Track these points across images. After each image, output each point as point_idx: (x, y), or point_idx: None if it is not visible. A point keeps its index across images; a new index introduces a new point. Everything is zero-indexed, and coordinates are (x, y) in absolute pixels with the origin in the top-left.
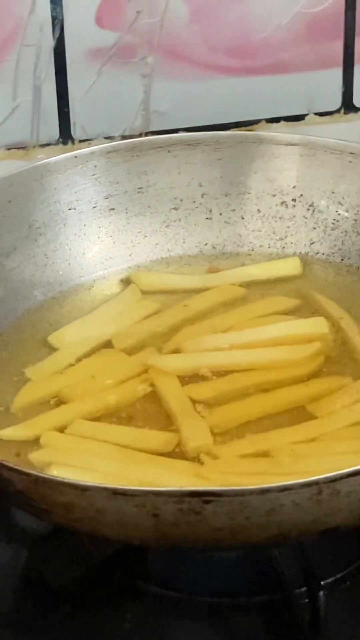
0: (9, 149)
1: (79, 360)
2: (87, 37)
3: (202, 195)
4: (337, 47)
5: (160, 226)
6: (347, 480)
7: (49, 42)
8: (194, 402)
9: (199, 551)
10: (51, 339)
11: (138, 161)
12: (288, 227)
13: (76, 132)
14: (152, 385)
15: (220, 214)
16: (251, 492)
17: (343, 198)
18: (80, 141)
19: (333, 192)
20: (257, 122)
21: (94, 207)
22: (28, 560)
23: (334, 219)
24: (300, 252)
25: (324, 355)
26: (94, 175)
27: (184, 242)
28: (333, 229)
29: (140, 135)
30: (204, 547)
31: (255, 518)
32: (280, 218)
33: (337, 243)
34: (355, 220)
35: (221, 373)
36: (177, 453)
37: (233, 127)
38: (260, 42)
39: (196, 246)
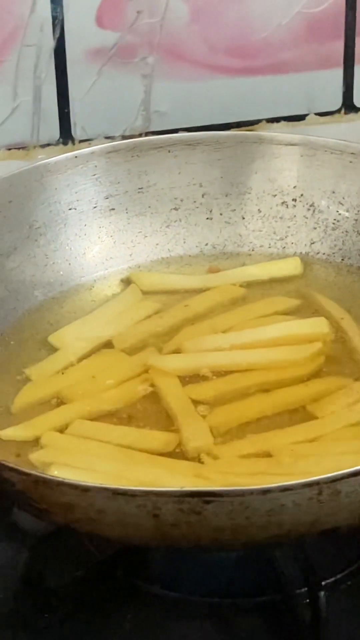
0: (10, 149)
1: (79, 360)
2: (88, 37)
3: (203, 195)
4: (338, 47)
5: (160, 226)
6: (348, 481)
7: (50, 42)
8: (194, 402)
9: (200, 551)
10: (51, 339)
11: (138, 161)
12: (288, 227)
13: (76, 132)
14: (152, 385)
15: (221, 214)
16: (252, 493)
17: (343, 198)
18: (81, 141)
19: (333, 192)
20: (257, 122)
21: (95, 207)
22: (28, 561)
23: (335, 219)
24: (301, 252)
25: (325, 355)
26: (94, 175)
27: (184, 242)
28: (333, 229)
29: (140, 135)
30: (204, 548)
31: (256, 518)
32: (281, 218)
33: (337, 243)
34: (356, 220)
35: (221, 373)
36: (178, 453)
37: (233, 127)
38: (260, 42)
39: (197, 246)
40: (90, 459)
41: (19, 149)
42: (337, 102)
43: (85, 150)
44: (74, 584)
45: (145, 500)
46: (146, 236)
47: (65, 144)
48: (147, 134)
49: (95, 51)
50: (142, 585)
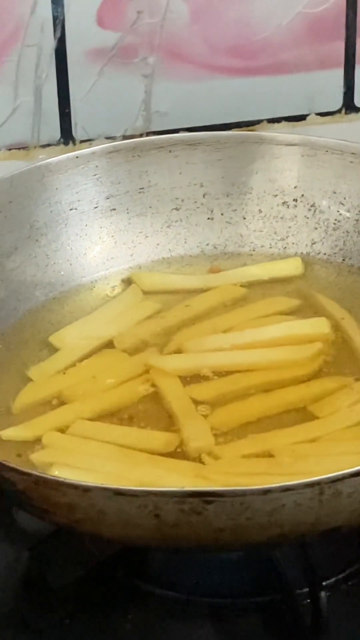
0: (10, 150)
1: (80, 360)
2: (88, 38)
3: (204, 196)
4: (338, 47)
5: (161, 226)
6: (349, 481)
7: (50, 43)
8: (195, 402)
9: (200, 552)
10: (52, 339)
11: (139, 161)
12: (289, 227)
13: (77, 132)
14: (153, 385)
15: (222, 214)
16: (252, 493)
17: (344, 198)
18: (82, 141)
19: (334, 192)
20: (258, 122)
21: (96, 208)
22: (29, 561)
23: (335, 219)
24: (302, 252)
25: (325, 355)
26: (95, 175)
27: (185, 242)
28: (334, 229)
29: (141, 135)
30: (205, 548)
31: (257, 518)
32: (282, 218)
33: (338, 243)
34: (357, 220)
35: (222, 373)
36: (179, 453)
37: (234, 127)
38: (261, 42)
39: (197, 246)
40: (91, 459)
41: (19, 149)
42: (337, 102)
43: (86, 150)
44: (74, 584)
45: (146, 501)
46: (147, 236)
47: (66, 144)
48: (147, 134)
49: (95, 51)
50: (142, 585)
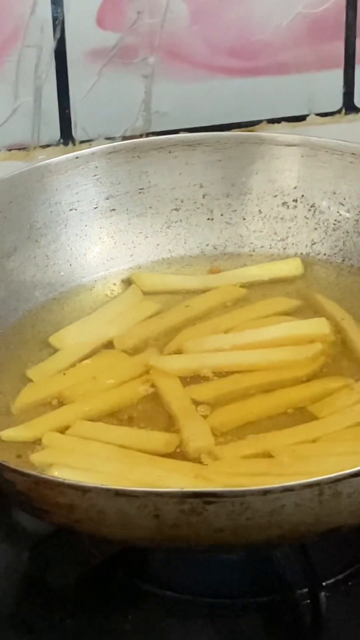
0: (10, 150)
1: (80, 361)
2: (88, 38)
3: (203, 196)
4: (338, 47)
5: (161, 227)
6: (349, 481)
7: (50, 43)
8: (195, 402)
9: (200, 552)
10: (52, 340)
11: (139, 162)
12: (289, 227)
13: (77, 132)
14: (153, 386)
15: (222, 215)
16: (252, 493)
17: (344, 199)
18: (81, 142)
19: (334, 193)
20: (258, 122)
21: (95, 208)
22: (29, 561)
23: (335, 220)
24: (302, 253)
25: (325, 356)
26: (95, 176)
27: (185, 243)
28: (334, 230)
29: (141, 136)
30: (205, 548)
31: (257, 519)
32: (282, 219)
33: (338, 244)
34: (357, 220)
35: (222, 374)
36: (179, 454)
37: (234, 128)
38: (261, 43)
39: (197, 247)
40: (91, 459)
41: (19, 149)
42: (337, 102)
43: (86, 150)
44: (74, 584)
45: (146, 501)
46: (147, 237)
47: (65, 144)
48: (147, 134)
49: (95, 52)
50: (142, 585)
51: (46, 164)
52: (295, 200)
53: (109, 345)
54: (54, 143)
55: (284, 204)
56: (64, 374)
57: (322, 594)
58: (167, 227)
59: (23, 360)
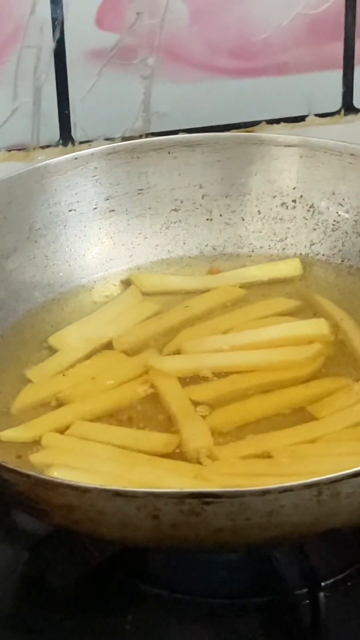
0: (10, 151)
1: (79, 361)
2: (88, 39)
3: (203, 197)
4: (338, 48)
5: (160, 227)
6: (348, 482)
7: (49, 44)
8: (194, 403)
9: (200, 552)
10: (52, 341)
11: (138, 162)
12: (288, 228)
13: (76, 133)
14: (152, 386)
15: (221, 215)
16: (251, 494)
17: (343, 199)
18: (81, 142)
19: (333, 193)
20: (257, 123)
21: (95, 209)
22: (29, 562)
23: (334, 220)
24: (301, 253)
25: (324, 356)
26: (94, 176)
27: (184, 244)
28: (333, 230)
29: (140, 136)
30: (204, 549)
31: (256, 519)
32: (281, 219)
33: (337, 244)
34: (356, 221)
35: (222, 374)
36: (178, 454)
37: (233, 129)
38: (260, 43)
39: (196, 247)
40: (90, 460)
41: (19, 150)
42: (336, 103)
43: (85, 151)
44: (74, 584)
45: (145, 502)
46: (146, 237)
47: (65, 145)
48: (147, 135)
49: (95, 52)
50: (142, 585)
51: (45, 164)
52: (294, 201)
53: (109, 345)
54: (53, 144)
55: (283, 204)
56: (63, 375)
57: (321, 594)
58: (166, 228)
59: (22, 361)
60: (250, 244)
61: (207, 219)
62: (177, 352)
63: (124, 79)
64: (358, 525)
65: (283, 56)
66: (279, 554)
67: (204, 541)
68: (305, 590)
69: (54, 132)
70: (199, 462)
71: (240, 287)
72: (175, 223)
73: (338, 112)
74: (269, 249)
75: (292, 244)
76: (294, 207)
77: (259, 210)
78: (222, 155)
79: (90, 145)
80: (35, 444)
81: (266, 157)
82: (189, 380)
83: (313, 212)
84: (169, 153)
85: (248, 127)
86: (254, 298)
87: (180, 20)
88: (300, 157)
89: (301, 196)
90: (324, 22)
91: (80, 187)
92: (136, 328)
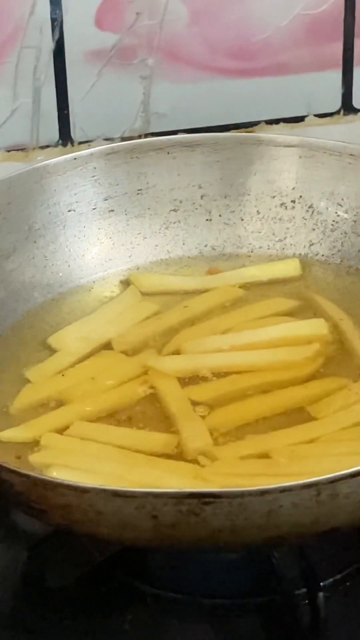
0: (9, 151)
1: (79, 361)
2: (87, 39)
3: (202, 197)
4: (337, 48)
5: (159, 228)
6: (347, 482)
7: (49, 44)
8: (193, 403)
9: (199, 552)
10: (51, 341)
11: (137, 163)
12: (287, 228)
13: (76, 133)
14: (152, 386)
15: (220, 216)
16: (250, 494)
17: (342, 199)
18: (80, 143)
19: (332, 194)
20: (256, 123)
21: (94, 209)
22: (28, 561)
23: (334, 220)
24: (300, 254)
25: (324, 356)
26: (93, 176)
27: (183, 244)
28: (332, 230)
29: (139, 136)
30: (203, 549)
31: (255, 519)
32: (280, 219)
33: (336, 244)
34: (355, 221)
35: (221, 374)
36: (177, 454)
37: (232, 129)
38: (260, 44)
39: (196, 247)
40: (89, 460)
41: (18, 150)
42: (336, 103)
43: (85, 151)
44: (73, 584)
45: (144, 502)
46: (145, 237)
47: (64, 145)
48: (146, 135)
49: (94, 53)
50: (141, 586)
51: (45, 165)
52: (294, 201)
53: (108, 346)
54: (52, 144)
55: (282, 204)
56: (62, 375)
57: (321, 594)
58: (165, 228)
59: (22, 361)
60: (250, 244)
61: (207, 219)
62: (177, 352)
63: (123, 79)
64: (357, 525)
65: (282, 56)
66: (278, 554)
67: (203, 541)
68: (304, 590)
69: (54, 133)
70: (198, 462)
71: (240, 287)
72: (174, 223)
73: (337, 112)
74: (268, 249)
75: (291, 244)
76: (293, 207)
77: (258, 211)
78: (222, 155)
79: (89, 145)
80: (35, 444)
81: (265, 158)
82: (188, 380)
83: (312, 212)
84: (168, 153)
85: (247, 127)
86: (253, 298)
87: (180, 21)
88: (300, 157)
89: (300, 196)
90: (323, 22)
91: (79, 187)
92: (135, 328)
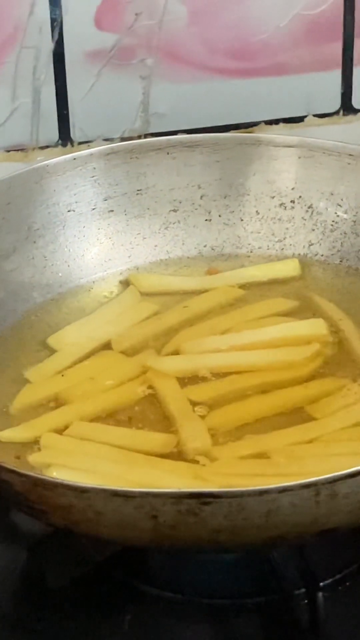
0: (9, 151)
1: (78, 362)
2: (86, 39)
3: (201, 197)
4: (336, 48)
5: (159, 228)
6: (346, 482)
7: (48, 44)
8: (193, 403)
9: (198, 552)
10: (50, 341)
11: (137, 163)
12: (287, 228)
13: (75, 134)
14: (151, 386)
15: (219, 216)
16: (249, 494)
17: (342, 199)
18: (80, 143)
19: (332, 194)
20: (256, 123)
21: (93, 209)
22: (28, 562)
23: (333, 221)
24: (299, 254)
25: (323, 356)
26: (93, 177)
27: (183, 244)
28: (332, 231)
29: (139, 137)
30: (202, 549)
31: (254, 519)
32: (279, 220)
33: (335, 244)
34: (354, 221)
35: (220, 374)
36: (176, 454)
37: (232, 129)
38: (259, 44)
39: (195, 248)
40: (89, 460)
41: (18, 150)
42: (335, 103)
43: (84, 152)
44: (72, 585)
45: (143, 502)
46: (145, 238)
47: (64, 145)
48: (145, 135)
49: (94, 53)
50: (141, 586)
51: (44, 165)
52: (293, 202)
53: (107, 346)
54: (52, 144)
55: (281, 205)
56: (62, 375)
57: (320, 594)
58: (165, 228)
59: (21, 361)
60: (249, 244)
61: (206, 220)
62: (176, 352)
63: (122, 79)
64: (356, 525)
65: (282, 57)
66: (277, 554)
67: (202, 541)
68: (303, 590)
69: (53, 133)
70: (197, 462)
71: (239, 287)
72: (174, 223)
73: (337, 112)
74: (268, 249)
75: (290, 245)
76: (293, 207)
77: (257, 211)
78: (221, 155)
79: (89, 145)
80: (34, 444)
81: (265, 158)
82: (188, 380)
83: (312, 212)
84: (167, 153)
85: (247, 127)
86: (253, 298)
87: (179, 21)
88: (299, 157)
89: (300, 197)
90: (322, 22)
91: (79, 187)
92: (135, 328)
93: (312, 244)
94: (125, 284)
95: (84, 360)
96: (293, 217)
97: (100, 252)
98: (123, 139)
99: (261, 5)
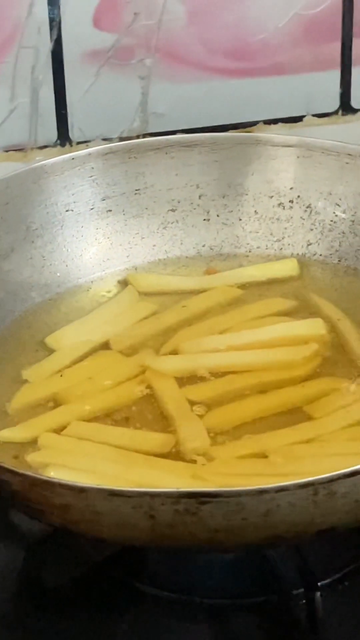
0: (7, 151)
1: (76, 361)
2: (85, 39)
3: (200, 197)
4: (335, 48)
5: (157, 228)
6: (344, 481)
7: (47, 44)
8: (191, 403)
9: (196, 552)
10: (49, 341)
11: (135, 163)
12: (285, 228)
13: (74, 134)
14: (149, 386)
15: (218, 216)
16: (247, 493)
17: (340, 199)
18: (78, 143)
19: (330, 194)
20: (254, 123)
21: (92, 209)
22: (26, 562)
23: (331, 220)
24: (298, 254)
25: (321, 356)
26: (91, 177)
27: (181, 244)
28: (330, 230)
29: (138, 136)
30: (201, 548)
31: (252, 519)
32: (278, 219)
33: (334, 244)
34: (353, 221)
35: (219, 374)
36: (174, 454)
37: (231, 129)
38: (258, 44)
39: (194, 247)
40: (87, 460)
41: (16, 150)
42: (334, 103)
43: (83, 151)
44: (71, 584)
45: (141, 501)
46: (143, 237)
47: (62, 145)
48: (144, 135)
49: (92, 53)
50: (139, 586)
51: (42, 165)
52: (292, 201)
53: (105, 346)
54: (50, 144)
55: (280, 204)
56: (60, 375)
57: (318, 594)
58: (163, 228)
59: (20, 361)
60: (248, 244)
61: (205, 219)
62: (174, 352)
63: (121, 79)
64: (354, 524)
65: (280, 57)
66: (275, 553)
67: (200, 541)
68: (301, 590)
69: (52, 133)
70: (196, 462)
71: (238, 287)
72: (172, 223)
73: (335, 112)
74: (266, 249)
75: (289, 244)
76: (291, 207)
77: (256, 211)
78: (220, 155)
79: (87, 145)
80: (32, 444)
81: (263, 157)
82: (186, 380)
83: (310, 212)
84: (166, 153)
85: (246, 127)
86: (251, 298)
87: (178, 21)
88: (298, 157)
89: (298, 196)
90: (321, 22)
91: (77, 187)
92: (133, 328)
93: (310, 244)
94: (124, 283)
95: (82, 360)
96: (291, 217)
97: (99, 252)
98: (122, 139)
99: (260, 5)
